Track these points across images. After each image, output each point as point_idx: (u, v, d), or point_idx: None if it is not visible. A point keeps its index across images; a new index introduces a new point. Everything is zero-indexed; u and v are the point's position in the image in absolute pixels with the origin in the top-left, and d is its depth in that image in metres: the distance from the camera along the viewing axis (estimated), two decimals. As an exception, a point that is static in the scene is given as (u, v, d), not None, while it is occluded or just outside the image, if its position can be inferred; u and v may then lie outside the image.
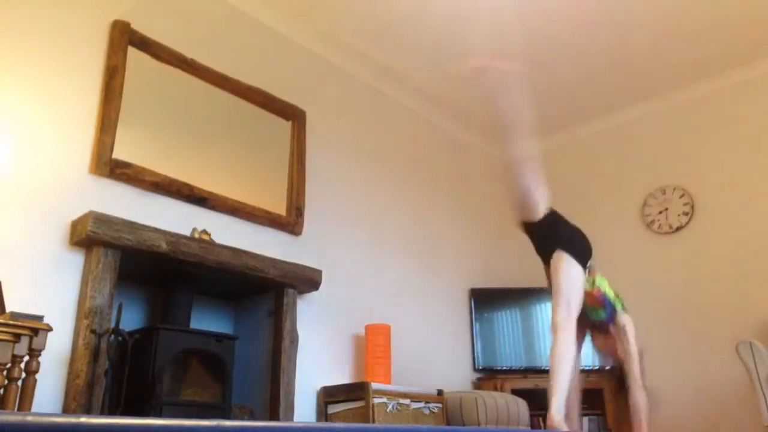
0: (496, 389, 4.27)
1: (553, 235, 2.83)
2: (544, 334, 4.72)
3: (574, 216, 4.89)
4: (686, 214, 4.68)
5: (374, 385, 3.33)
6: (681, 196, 4.74)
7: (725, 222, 4.48)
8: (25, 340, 2.08)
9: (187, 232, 3.01)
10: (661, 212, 4.81)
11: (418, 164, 4.85)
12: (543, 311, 4.80)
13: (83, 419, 0.61)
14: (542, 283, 4.99)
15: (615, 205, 5.09)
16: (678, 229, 4.70)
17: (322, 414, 3.46)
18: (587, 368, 4.57)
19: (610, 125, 5.29)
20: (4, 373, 2.04)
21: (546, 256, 2.84)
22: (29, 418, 0.58)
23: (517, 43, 4.29)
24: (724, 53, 4.48)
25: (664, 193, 4.83)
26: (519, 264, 5.31)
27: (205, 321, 3.19)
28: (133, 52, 3.17)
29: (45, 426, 0.59)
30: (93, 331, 2.51)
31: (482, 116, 5.23)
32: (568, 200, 5.25)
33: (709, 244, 4.52)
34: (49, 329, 2.15)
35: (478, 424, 3.64)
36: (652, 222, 4.84)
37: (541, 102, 5.04)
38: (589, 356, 4.62)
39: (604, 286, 2.86)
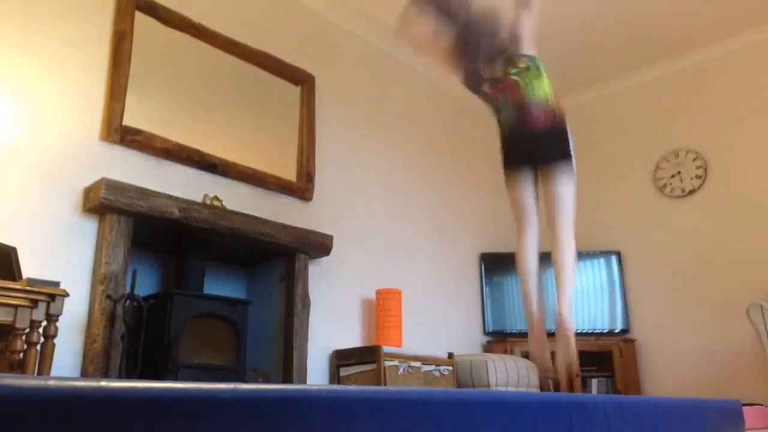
0: (506, 352, 4.31)
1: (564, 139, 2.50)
2: (554, 297, 4.72)
3: (585, 178, 4.86)
4: (699, 177, 4.63)
5: (386, 349, 3.38)
6: (694, 159, 4.68)
7: (738, 185, 4.44)
8: (42, 306, 2.12)
9: (198, 199, 3.02)
10: (673, 176, 4.77)
11: (429, 129, 4.82)
12: (552, 275, 4.79)
13: (103, 383, 0.63)
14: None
15: (627, 169, 5.04)
16: (691, 192, 4.66)
17: (335, 377, 3.51)
18: (597, 331, 4.59)
19: (623, 87, 5.21)
20: (23, 338, 2.09)
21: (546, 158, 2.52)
22: (51, 383, 0.59)
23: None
24: (739, 13, 4.37)
25: (677, 156, 4.78)
26: (529, 228, 5.29)
27: (219, 286, 3.23)
28: (140, 18, 3.14)
29: (66, 390, 0.60)
30: (108, 297, 2.55)
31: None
32: (579, 163, 5.22)
33: (721, 207, 4.48)
34: (66, 295, 2.19)
35: (488, 387, 3.69)
36: (665, 185, 4.80)
37: (552, 64, 4.95)
38: (599, 319, 4.65)
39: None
